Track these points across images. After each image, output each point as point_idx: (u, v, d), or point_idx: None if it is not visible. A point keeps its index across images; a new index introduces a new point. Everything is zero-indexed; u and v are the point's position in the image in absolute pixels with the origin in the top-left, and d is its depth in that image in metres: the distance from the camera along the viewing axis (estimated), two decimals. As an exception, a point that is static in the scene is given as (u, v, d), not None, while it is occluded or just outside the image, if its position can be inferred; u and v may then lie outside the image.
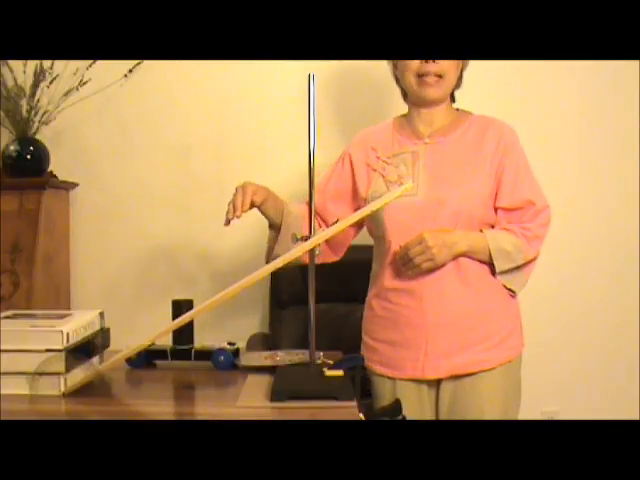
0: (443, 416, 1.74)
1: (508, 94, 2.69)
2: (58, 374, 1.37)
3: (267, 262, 1.82)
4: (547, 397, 2.70)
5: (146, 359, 1.61)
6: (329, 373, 1.44)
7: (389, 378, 1.77)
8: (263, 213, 1.78)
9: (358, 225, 1.88)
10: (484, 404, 1.71)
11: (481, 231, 1.72)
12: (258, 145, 2.76)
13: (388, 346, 1.76)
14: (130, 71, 2.68)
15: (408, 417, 1.68)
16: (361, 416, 1.28)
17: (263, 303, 2.78)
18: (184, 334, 1.62)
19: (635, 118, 2.69)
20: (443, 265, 1.68)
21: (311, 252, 1.41)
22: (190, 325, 1.61)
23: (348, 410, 1.28)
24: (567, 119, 2.73)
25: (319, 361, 1.52)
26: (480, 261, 1.72)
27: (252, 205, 1.71)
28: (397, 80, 1.85)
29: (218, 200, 2.76)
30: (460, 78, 1.82)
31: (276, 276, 2.65)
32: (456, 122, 1.80)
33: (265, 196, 1.74)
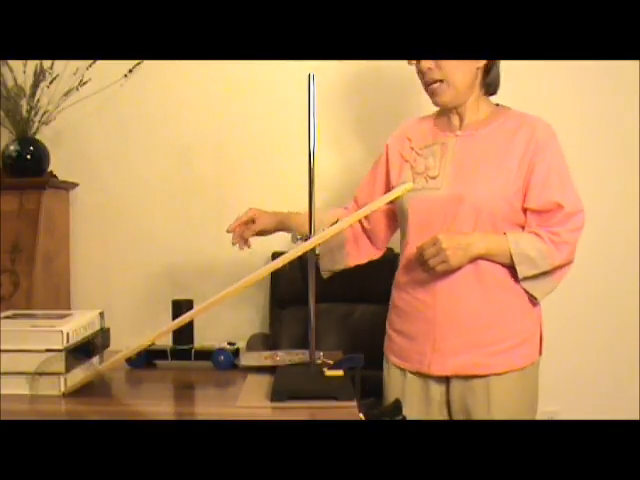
0: (454, 412, 1.73)
1: (508, 94, 2.68)
2: (58, 374, 1.37)
3: (323, 275, 1.85)
4: (547, 397, 2.68)
5: (146, 359, 1.61)
6: (329, 373, 1.45)
7: (400, 369, 1.78)
8: (292, 227, 1.79)
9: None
10: (493, 410, 1.68)
11: (505, 234, 1.66)
12: (258, 145, 2.76)
13: (401, 337, 1.77)
14: (130, 71, 2.68)
15: (413, 412, 1.70)
16: (361, 416, 1.28)
17: (263, 303, 2.78)
18: (184, 334, 1.62)
19: (635, 118, 2.69)
20: (459, 268, 1.64)
21: (311, 252, 1.41)
22: (190, 325, 1.61)
23: (348, 410, 1.28)
24: (567, 119, 2.72)
25: (319, 361, 1.52)
26: (501, 264, 1.67)
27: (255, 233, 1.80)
28: None
29: (218, 200, 2.78)
30: (490, 68, 1.76)
31: (276, 276, 2.65)
32: (492, 117, 1.76)
33: (269, 225, 1.82)
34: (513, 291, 1.69)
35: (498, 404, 1.68)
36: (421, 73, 1.72)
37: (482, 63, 1.74)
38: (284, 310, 2.65)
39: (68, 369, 1.38)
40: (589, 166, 2.74)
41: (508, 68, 2.58)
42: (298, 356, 1.62)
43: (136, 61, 2.65)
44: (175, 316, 1.55)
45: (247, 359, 1.64)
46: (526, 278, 1.66)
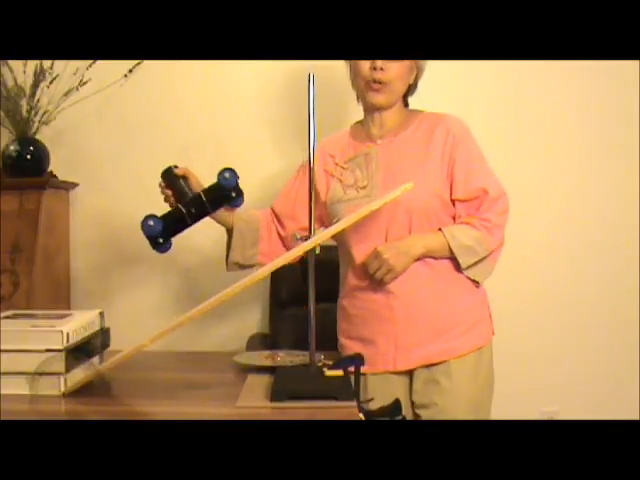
0: (418, 406, 1.76)
1: (508, 94, 2.69)
2: (58, 374, 1.37)
3: (227, 268, 1.91)
4: (547, 397, 2.70)
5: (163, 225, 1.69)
6: (329, 373, 1.45)
7: (362, 375, 1.79)
8: (214, 219, 1.87)
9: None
10: (454, 388, 1.73)
11: (440, 230, 1.74)
12: (258, 145, 2.76)
13: (360, 343, 1.78)
14: (130, 71, 2.68)
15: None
16: (361, 416, 1.28)
17: (263, 303, 2.77)
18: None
19: (635, 118, 2.69)
20: (404, 270, 1.71)
21: (311, 252, 1.41)
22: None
23: (348, 410, 1.28)
24: (567, 119, 2.73)
25: (319, 364, 1.52)
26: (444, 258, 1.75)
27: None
28: (352, 82, 1.88)
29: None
30: (415, 85, 1.87)
31: (276, 276, 2.65)
32: (407, 121, 1.84)
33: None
34: (458, 278, 1.77)
35: (459, 383, 1.74)
36: (368, 72, 1.77)
37: (412, 78, 1.84)
38: (284, 310, 2.64)
39: (68, 369, 1.38)
40: (589, 166, 2.74)
41: (508, 68, 2.60)
42: (299, 357, 1.62)
43: (136, 61, 2.65)
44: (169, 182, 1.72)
45: (247, 359, 1.64)
46: (468, 267, 1.74)
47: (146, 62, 2.66)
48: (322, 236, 1.40)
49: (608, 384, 2.73)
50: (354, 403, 1.31)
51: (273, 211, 1.96)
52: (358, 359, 1.48)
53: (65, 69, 2.61)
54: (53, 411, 1.32)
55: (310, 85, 1.42)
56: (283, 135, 2.73)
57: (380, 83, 1.77)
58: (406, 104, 1.90)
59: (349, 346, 1.81)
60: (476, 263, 1.74)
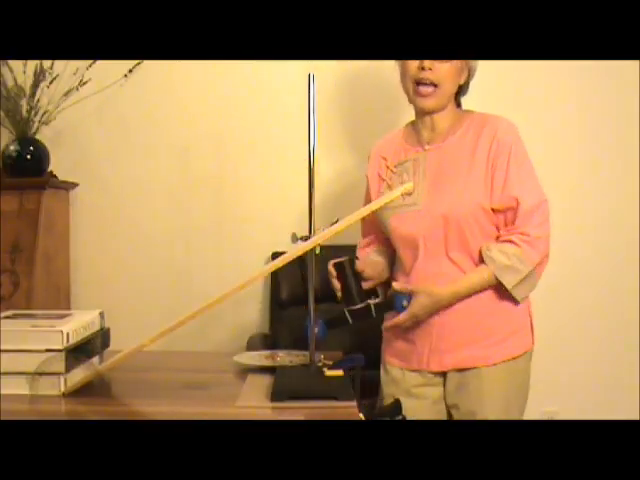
0: (450, 405, 1.79)
1: (508, 94, 2.69)
2: (58, 374, 1.37)
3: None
4: (547, 397, 2.70)
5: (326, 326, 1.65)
6: (329, 373, 1.45)
7: (399, 369, 1.82)
8: None
9: None
10: (484, 398, 1.73)
11: (481, 262, 1.71)
12: (258, 145, 2.76)
13: (400, 340, 1.81)
14: (130, 71, 2.68)
15: (412, 405, 1.73)
16: (361, 416, 1.28)
17: (263, 303, 2.78)
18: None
19: (635, 118, 2.69)
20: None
21: (311, 252, 1.41)
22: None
23: (348, 410, 1.28)
24: (567, 119, 2.73)
25: (319, 364, 1.52)
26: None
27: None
28: (402, 85, 1.84)
29: (218, 200, 2.78)
30: (467, 85, 1.82)
31: (276, 276, 2.65)
32: (456, 124, 1.79)
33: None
34: (500, 288, 1.73)
35: (490, 393, 1.74)
36: (416, 72, 1.73)
37: (464, 79, 1.79)
38: (284, 310, 2.65)
39: (68, 369, 1.38)
40: (589, 166, 2.74)
41: (508, 68, 2.60)
42: (299, 357, 1.62)
43: (136, 61, 2.65)
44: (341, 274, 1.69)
45: (247, 359, 1.64)
46: (514, 286, 1.70)
47: (146, 62, 2.66)
48: (322, 236, 1.40)
49: (608, 384, 2.74)
50: (354, 403, 1.31)
51: (367, 242, 1.94)
52: (358, 359, 1.48)
53: (65, 69, 2.62)
54: (53, 411, 1.32)
55: (310, 85, 1.42)
56: (283, 135, 2.73)
57: (428, 84, 1.73)
58: (458, 104, 1.85)
59: (392, 341, 1.85)
60: (521, 281, 1.70)
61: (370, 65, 2.60)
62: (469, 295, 1.72)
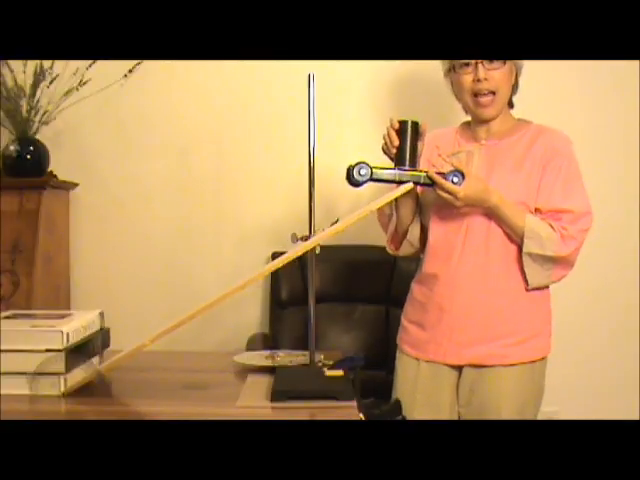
0: (462, 404, 1.79)
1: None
2: (58, 374, 1.37)
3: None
4: (547, 397, 2.68)
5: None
6: (329, 373, 1.45)
7: (415, 359, 1.83)
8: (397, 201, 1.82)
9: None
10: (501, 399, 1.75)
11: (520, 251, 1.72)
12: (258, 145, 2.76)
13: (417, 328, 1.83)
14: (130, 71, 2.68)
15: (424, 398, 1.77)
16: (361, 416, 1.28)
17: (263, 303, 2.78)
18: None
19: (635, 118, 2.69)
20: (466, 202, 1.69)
21: (311, 252, 1.41)
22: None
23: (348, 410, 1.28)
24: (567, 119, 2.72)
25: (319, 364, 1.52)
26: (511, 241, 1.74)
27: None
28: (456, 96, 1.86)
29: (217, 200, 2.78)
30: (517, 84, 1.83)
31: (276, 276, 2.65)
32: (515, 129, 1.83)
33: None
34: (526, 290, 1.76)
35: (506, 393, 1.75)
36: (472, 85, 1.75)
37: (514, 79, 1.80)
38: (284, 310, 2.65)
39: (68, 369, 1.38)
40: (589, 166, 2.73)
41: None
42: (299, 357, 1.62)
43: (136, 61, 2.65)
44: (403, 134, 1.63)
45: (247, 359, 1.64)
46: (529, 255, 1.71)
47: (146, 62, 2.66)
48: (322, 236, 1.40)
49: (608, 384, 2.74)
50: (354, 403, 1.31)
51: None
52: (358, 359, 1.48)
53: (65, 69, 2.62)
54: (53, 411, 1.32)
55: (310, 85, 1.42)
56: (283, 135, 2.73)
57: (487, 94, 1.75)
58: (511, 105, 1.87)
59: (406, 328, 1.86)
60: (537, 258, 1.72)
61: (370, 65, 2.61)
62: (504, 221, 1.71)
